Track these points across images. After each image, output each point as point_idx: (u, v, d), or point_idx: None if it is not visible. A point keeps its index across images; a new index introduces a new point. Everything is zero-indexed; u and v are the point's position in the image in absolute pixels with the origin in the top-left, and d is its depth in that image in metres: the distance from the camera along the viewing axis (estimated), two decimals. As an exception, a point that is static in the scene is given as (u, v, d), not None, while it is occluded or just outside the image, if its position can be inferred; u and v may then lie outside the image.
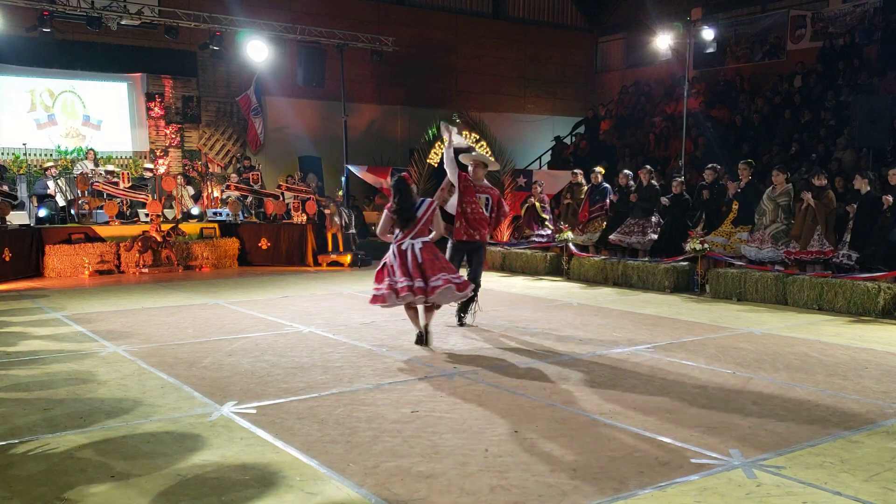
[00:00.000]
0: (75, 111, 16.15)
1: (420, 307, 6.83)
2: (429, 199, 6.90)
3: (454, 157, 7.77)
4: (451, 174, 7.73)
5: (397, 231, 6.78)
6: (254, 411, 4.87)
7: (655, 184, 11.86)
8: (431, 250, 6.75)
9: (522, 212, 14.85)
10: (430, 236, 6.84)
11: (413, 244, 6.67)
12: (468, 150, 8.40)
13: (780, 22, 18.53)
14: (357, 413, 4.83)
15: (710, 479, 3.76)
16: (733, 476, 3.80)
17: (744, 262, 10.16)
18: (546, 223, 13.71)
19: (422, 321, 6.87)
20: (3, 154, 15.19)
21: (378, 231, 6.95)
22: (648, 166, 12.36)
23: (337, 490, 3.64)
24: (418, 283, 6.53)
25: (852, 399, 5.19)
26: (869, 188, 9.37)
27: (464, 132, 16.73)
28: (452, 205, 7.82)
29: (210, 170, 15.80)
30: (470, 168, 7.87)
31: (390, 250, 6.79)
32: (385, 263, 6.78)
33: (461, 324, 7.92)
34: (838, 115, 15.09)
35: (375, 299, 6.74)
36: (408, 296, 6.53)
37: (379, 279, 6.74)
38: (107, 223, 13.26)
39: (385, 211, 6.85)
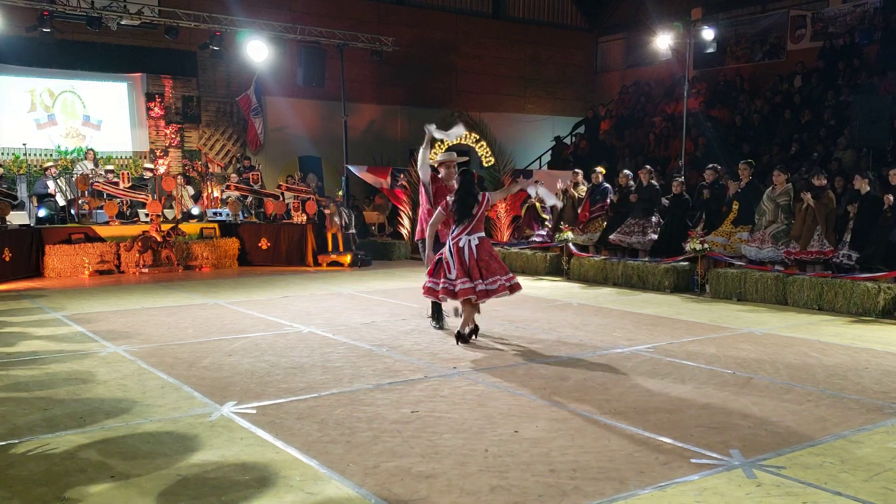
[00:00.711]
0: (75, 111, 16.16)
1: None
2: (482, 193, 6.91)
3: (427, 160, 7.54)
4: (425, 175, 7.48)
5: (453, 227, 6.82)
6: (254, 411, 4.87)
7: (655, 184, 11.86)
8: (487, 248, 6.83)
9: (522, 212, 14.87)
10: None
11: (469, 241, 6.74)
12: (459, 150, 8.20)
13: (780, 22, 18.55)
14: (357, 413, 4.83)
15: (710, 479, 3.76)
16: (733, 476, 3.80)
17: (744, 262, 10.16)
18: (546, 223, 13.71)
19: (463, 318, 7.01)
20: (3, 154, 15.19)
21: (429, 223, 6.97)
22: (648, 166, 12.37)
23: (337, 490, 3.64)
24: (480, 285, 6.66)
25: (852, 399, 5.19)
26: (868, 188, 9.37)
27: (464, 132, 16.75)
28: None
29: (210, 170, 15.80)
30: (442, 171, 7.42)
31: (447, 246, 6.84)
32: (441, 259, 6.85)
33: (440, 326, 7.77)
34: (838, 115, 15.10)
35: (429, 292, 6.93)
36: (469, 297, 6.71)
37: (434, 275, 6.86)
38: (107, 223, 13.27)
39: (438, 208, 6.89)
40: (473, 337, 7.02)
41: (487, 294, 6.71)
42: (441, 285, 6.77)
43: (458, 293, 6.69)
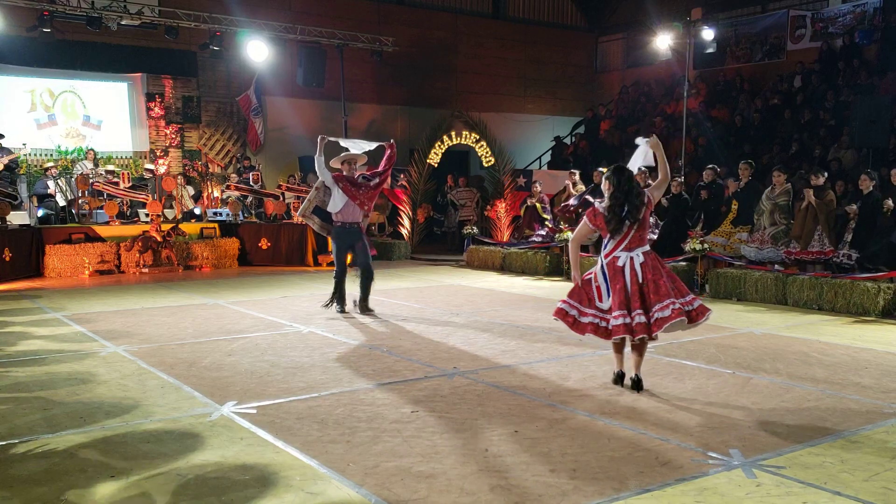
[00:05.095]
0: (75, 111, 16.15)
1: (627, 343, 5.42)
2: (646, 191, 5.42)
3: (324, 165, 8.44)
4: (326, 178, 8.42)
5: (605, 242, 5.32)
6: (254, 411, 4.87)
7: (653, 184, 11.85)
8: (655, 265, 5.24)
9: (522, 212, 14.87)
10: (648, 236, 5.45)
11: (632, 258, 5.20)
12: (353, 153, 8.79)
13: (780, 22, 18.55)
14: (357, 413, 4.83)
15: (710, 479, 3.77)
16: (733, 476, 3.80)
17: (743, 262, 10.16)
18: (546, 223, 13.72)
19: (629, 365, 5.47)
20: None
21: (572, 239, 5.58)
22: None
23: (337, 490, 3.64)
24: (639, 317, 5.08)
25: (852, 399, 5.19)
26: (871, 189, 9.37)
27: (464, 132, 16.76)
28: (334, 204, 8.48)
29: (210, 170, 15.80)
30: (346, 169, 8.54)
31: (599, 265, 5.35)
32: (591, 281, 5.37)
33: (367, 310, 8.57)
34: (838, 115, 15.10)
35: (577, 329, 5.38)
36: (623, 336, 5.18)
37: (580, 300, 5.38)
38: (107, 223, 13.27)
39: (584, 218, 5.39)
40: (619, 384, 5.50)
41: (648, 328, 5.10)
42: (588, 318, 5.32)
43: (612, 329, 5.19)
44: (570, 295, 5.48)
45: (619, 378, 5.56)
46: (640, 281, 5.16)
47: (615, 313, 5.17)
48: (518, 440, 4.32)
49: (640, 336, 5.14)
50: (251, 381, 5.65)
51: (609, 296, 5.25)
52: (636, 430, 4.49)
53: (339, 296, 8.67)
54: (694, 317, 5.20)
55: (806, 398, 5.21)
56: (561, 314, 5.44)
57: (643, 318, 5.10)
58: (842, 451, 4.15)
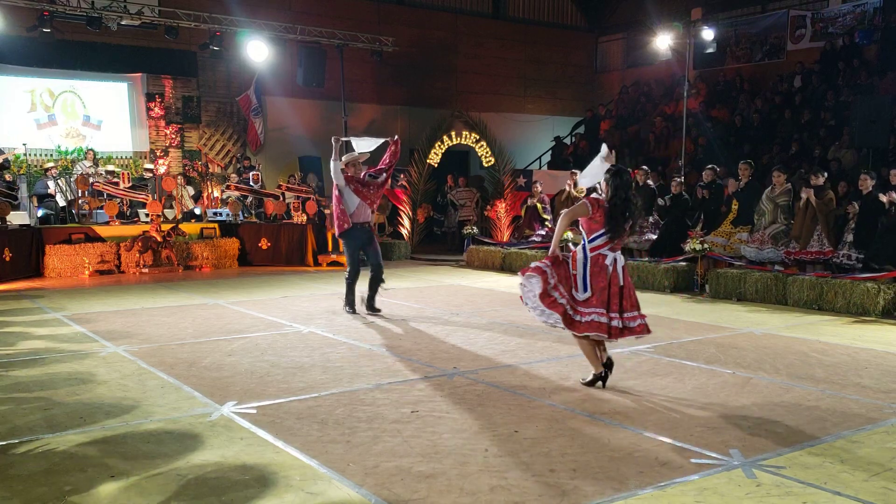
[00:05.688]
0: (75, 111, 16.15)
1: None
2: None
3: (339, 169, 8.49)
4: (340, 181, 8.46)
5: (595, 235, 5.26)
6: (254, 411, 4.87)
7: (651, 184, 11.87)
8: (626, 272, 5.35)
9: (522, 212, 14.88)
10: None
11: (616, 259, 5.25)
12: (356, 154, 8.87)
13: (780, 22, 18.55)
14: (357, 413, 4.83)
15: (710, 479, 3.77)
16: (733, 476, 3.80)
17: (744, 262, 10.17)
18: (547, 223, 13.72)
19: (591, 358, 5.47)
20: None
21: (566, 213, 5.40)
22: (645, 167, 12.41)
23: (337, 490, 3.64)
24: (616, 321, 5.17)
25: (852, 399, 5.19)
26: (871, 189, 9.38)
27: (464, 132, 16.78)
28: (348, 206, 8.55)
29: (210, 170, 15.80)
30: (351, 171, 8.57)
31: (581, 256, 5.29)
32: (568, 266, 5.33)
33: (374, 309, 8.67)
34: (838, 115, 15.10)
35: (549, 302, 5.23)
36: (599, 335, 5.19)
37: (558, 275, 5.29)
38: (107, 223, 13.26)
39: (584, 201, 5.31)
40: (600, 384, 5.44)
41: (622, 333, 5.22)
42: (563, 299, 5.23)
43: (585, 325, 5.18)
44: (553, 264, 5.33)
45: (601, 377, 5.45)
46: (621, 284, 5.25)
47: (596, 310, 5.18)
48: (518, 440, 4.32)
49: (615, 339, 5.29)
50: (251, 381, 5.65)
51: (586, 289, 5.24)
52: (636, 430, 4.49)
53: (351, 298, 8.75)
54: (641, 332, 5.40)
55: (806, 398, 5.22)
56: (543, 276, 5.26)
57: (619, 323, 5.20)
58: (842, 451, 4.15)
